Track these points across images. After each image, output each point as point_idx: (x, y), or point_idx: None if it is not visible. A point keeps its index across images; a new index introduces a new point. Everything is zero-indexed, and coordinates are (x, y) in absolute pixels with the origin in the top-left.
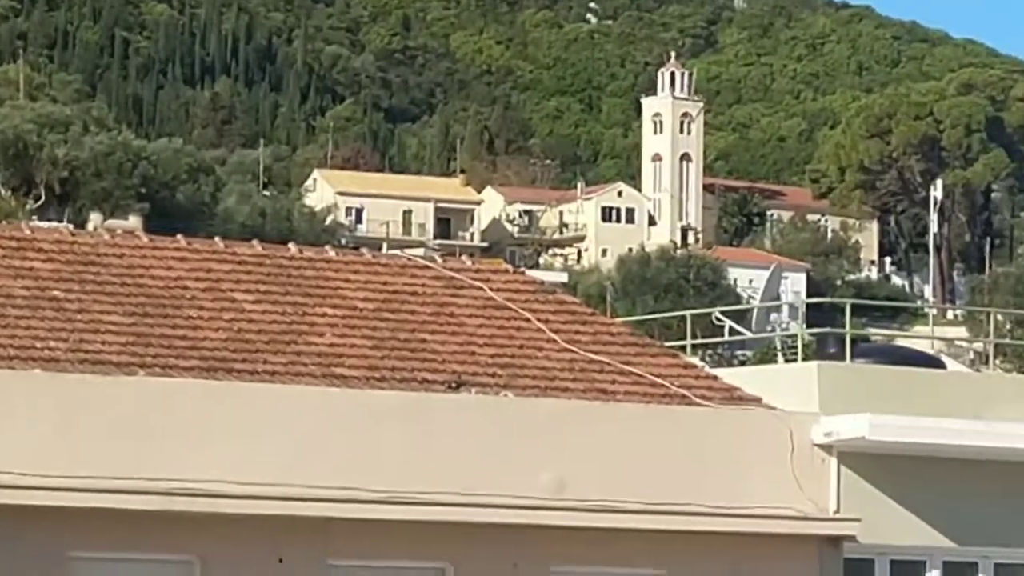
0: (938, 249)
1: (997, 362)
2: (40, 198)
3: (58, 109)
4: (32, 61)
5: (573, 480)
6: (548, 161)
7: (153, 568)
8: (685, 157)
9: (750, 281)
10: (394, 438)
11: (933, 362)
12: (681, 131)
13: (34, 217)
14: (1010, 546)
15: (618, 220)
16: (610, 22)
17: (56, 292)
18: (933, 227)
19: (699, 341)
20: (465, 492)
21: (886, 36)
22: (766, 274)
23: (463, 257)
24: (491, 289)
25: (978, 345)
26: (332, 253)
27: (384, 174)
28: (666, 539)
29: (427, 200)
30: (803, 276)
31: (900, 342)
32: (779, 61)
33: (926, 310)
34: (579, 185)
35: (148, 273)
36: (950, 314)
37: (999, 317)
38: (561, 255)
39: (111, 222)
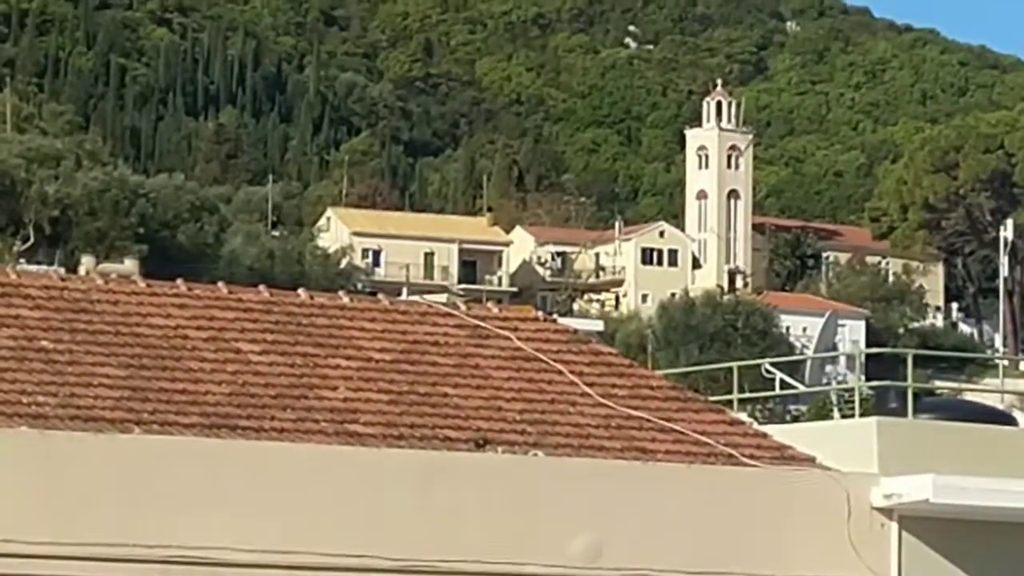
0: (1010, 294)
1: None
2: (29, 239)
3: (48, 142)
4: (21, 90)
5: (609, 547)
6: (583, 199)
7: None
8: (733, 194)
9: (804, 329)
10: (413, 502)
11: (1004, 418)
12: (728, 166)
13: (22, 260)
14: None
15: (659, 263)
16: (651, 47)
17: (45, 342)
18: (1004, 270)
19: (747, 395)
20: (491, 560)
21: (953, 62)
22: (821, 321)
23: (490, 303)
24: (520, 339)
25: None
26: (346, 300)
27: (404, 213)
28: None
29: (451, 241)
30: (862, 324)
31: (968, 396)
32: (835, 89)
33: (996, 361)
34: (617, 224)
35: (145, 322)
36: (1023, 365)
37: None
38: (597, 301)
39: (105, 266)
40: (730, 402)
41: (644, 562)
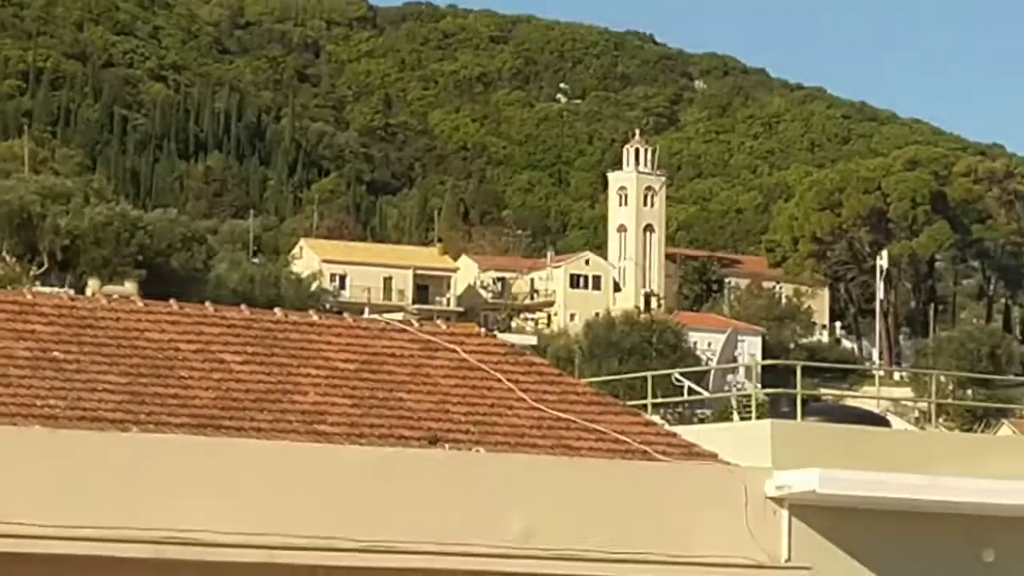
0: (885, 315)
1: (940, 421)
2: (43, 265)
3: (60, 181)
4: (36, 137)
5: (541, 530)
6: (520, 231)
7: None
8: (648, 228)
9: (708, 344)
10: (373, 491)
11: (880, 420)
12: (645, 204)
13: (37, 283)
14: None
15: (585, 287)
16: (578, 101)
17: (56, 353)
18: (880, 294)
19: (660, 401)
20: (439, 541)
21: (837, 115)
22: (723, 338)
23: (439, 321)
24: (465, 351)
25: (922, 405)
26: (316, 317)
27: (366, 243)
28: None
29: (406, 268)
30: (758, 340)
31: (849, 402)
32: (737, 138)
33: (873, 372)
34: (549, 254)
35: (143, 336)
36: (896, 376)
37: (942, 379)
38: (531, 319)
39: (109, 288)
40: (645, 406)
41: (571, 543)
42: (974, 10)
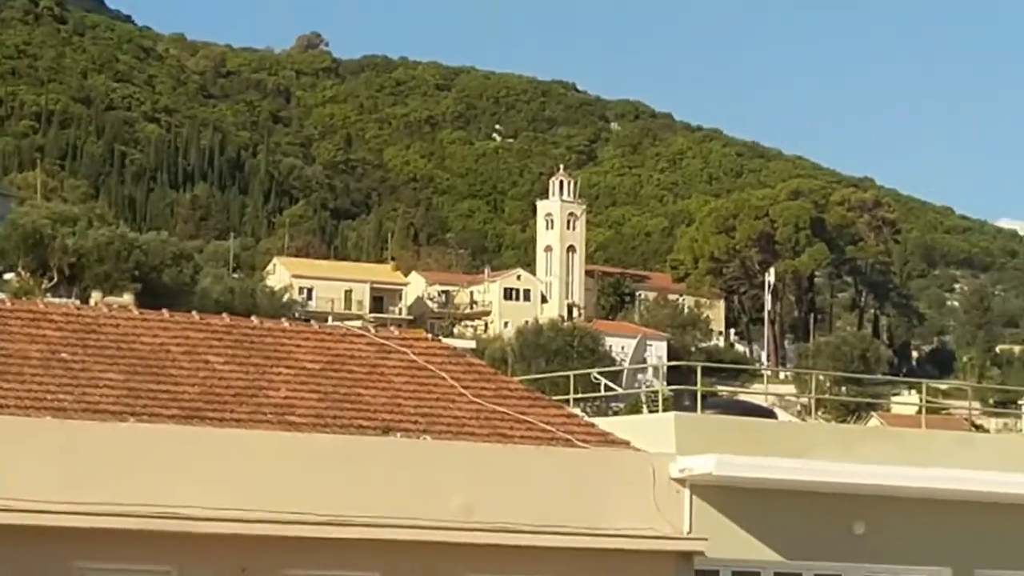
0: (772, 323)
1: (819, 413)
2: (53, 279)
3: (68, 208)
4: (47, 169)
5: (479, 506)
6: (461, 251)
7: None
8: (571, 248)
9: (622, 348)
10: (335, 473)
11: (767, 413)
12: (568, 228)
13: (48, 294)
14: (826, 560)
15: (517, 299)
16: (511, 140)
17: (64, 354)
18: (768, 305)
19: (580, 396)
20: (392, 516)
21: (731, 153)
22: (634, 342)
23: (392, 328)
24: (414, 354)
25: (804, 400)
26: (286, 324)
27: (330, 261)
28: (552, 554)
29: (364, 282)
30: (664, 344)
31: (741, 397)
32: (646, 172)
33: (762, 372)
34: (486, 270)
35: (138, 340)
36: (781, 375)
37: (820, 378)
38: (471, 326)
39: (109, 299)
40: (568, 401)
41: (504, 518)
42: (848, 62)
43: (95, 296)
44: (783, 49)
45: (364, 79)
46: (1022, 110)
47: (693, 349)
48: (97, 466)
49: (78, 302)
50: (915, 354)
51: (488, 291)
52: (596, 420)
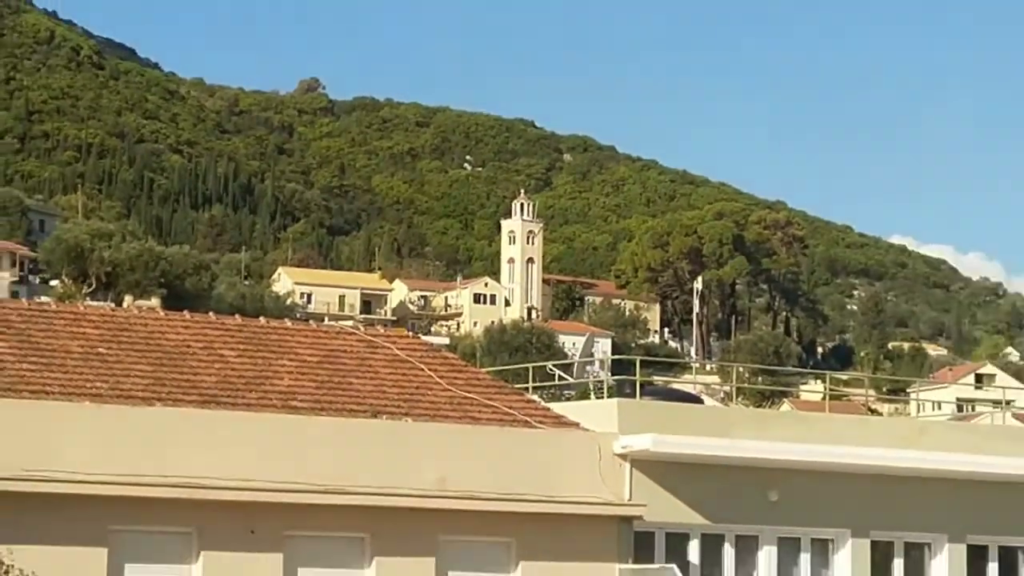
0: (700, 323)
1: (739, 400)
2: (92, 285)
3: (104, 225)
4: (87, 193)
5: (451, 478)
6: (437, 262)
7: (165, 537)
8: (530, 260)
9: (573, 344)
10: (331, 449)
11: (695, 399)
12: (527, 243)
13: (87, 298)
14: (745, 523)
15: (485, 303)
16: (480, 169)
17: (101, 349)
18: (696, 308)
19: (537, 385)
20: (378, 486)
21: (666, 180)
22: (583, 339)
23: (378, 327)
24: (397, 349)
25: (726, 388)
26: (289, 323)
27: (326, 271)
28: (513, 518)
29: (355, 288)
30: (609, 341)
31: (674, 386)
32: (593, 196)
33: (691, 364)
34: (459, 279)
35: (164, 336)
36: (707, 367)
37: (740, 369)
38: (445, 326)
39: (139, 302)
40: (527, 389)
41: (473, 487)
42: (764, 101)
43: (127, 300)
44: (710, 89)
45: (355, 117)
46: (910, 140)
47: (633, 345)
48: (128, 444)
49: (113, 305)
50: (820, 350)
51: (460, 296)
52: (551, 405)
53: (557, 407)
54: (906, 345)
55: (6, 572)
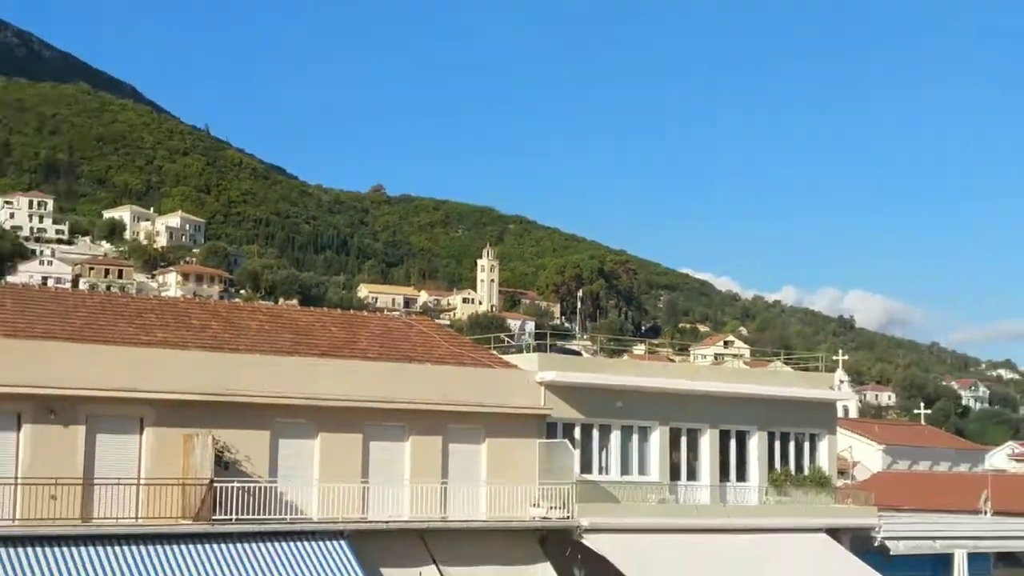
0: (580, 314)
1: (601, 353)
2: (261, 294)
3: (268, 261)
4: (260, 244)
5: (450, 394)
6: (443, 281)
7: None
8: (492, 280)
9: (516, 325)
10: (386, 378)
11: (577, 353)
12: (490, 271)
13: (258, 301)
14: (604, 418)
15: (469, 303)
16: (467, 231)
17: (266, 326)
18: (579, 306)
19: (496, 345)
20: (412, 399)
21: (562, 237)
22: (520, 323)
23: (412, 315)
24: (422, 327)
25: (594, 348)
26: (365, 313)
27: (385, 285)
28: (485, 416)
29: (400, 295)
30: (533, 323)
31: (566, 347)
32: (525, 247)
33: (576, 335)
34: (454, 290)
35: (300, 320)
36: (584, 337)
37: (601, 338)
38: (448, 315)
39: (285, 302)
40: (490, 348)
41: (462, 399)
42: (627, 172)
43: (280, 301)
44: (592, 173)
45: (400, 205)
46: (698, 200)
47: (545, 325)
48: (286, 377)
49: (272, 304)
50: (643, 327)
51: (455, 299)
52: (504, 356)
53: (507, 357)
54: (688, 326)
55: (221, 449)
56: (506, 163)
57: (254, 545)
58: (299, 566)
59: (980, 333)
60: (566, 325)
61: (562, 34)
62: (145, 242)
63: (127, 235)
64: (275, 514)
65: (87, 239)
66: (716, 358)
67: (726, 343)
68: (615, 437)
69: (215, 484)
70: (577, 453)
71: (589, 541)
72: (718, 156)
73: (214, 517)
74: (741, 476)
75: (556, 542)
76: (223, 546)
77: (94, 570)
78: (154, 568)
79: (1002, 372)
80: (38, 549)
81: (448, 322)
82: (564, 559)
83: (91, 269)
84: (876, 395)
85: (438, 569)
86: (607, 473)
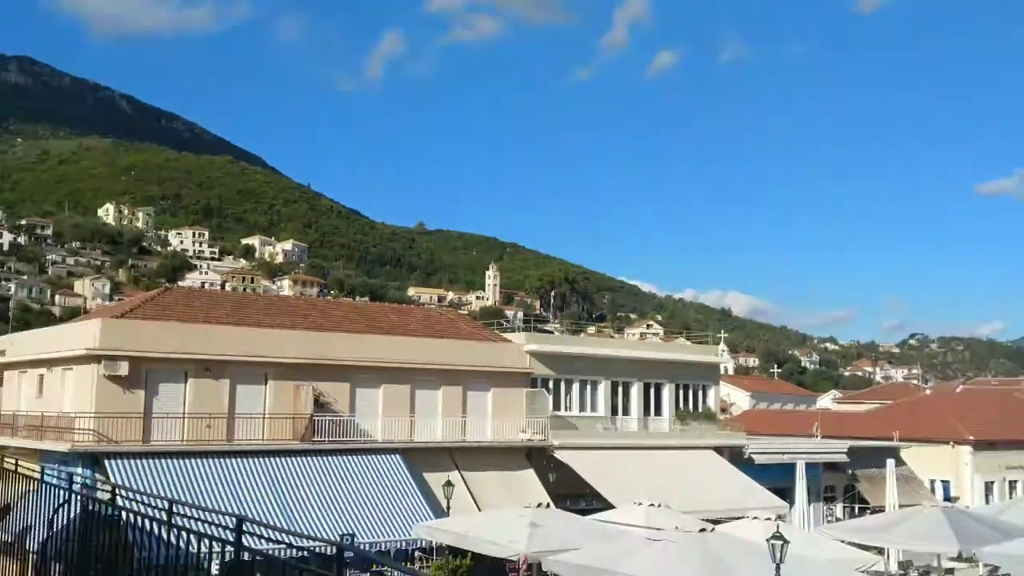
0: (554, 308)
1: (568, 332)
2: (346, 293)
3: (348, 272)
4: (345, 262)
5: (466, 360)
6: (463, 285)
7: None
8: (495, 285)
9: (512, 315)
10: (423, 349)
11: (550, 332)
12: (494, 280)
13: (343, 297)
14: (569, 375)
15: (481, 300)
16: (480, 254)
17: (350, 314)
18: (552, 302)
19: (496, 328)
20: (441, 363)
21: (540, 256)
22: (513, 312)
23: (443, 309)
24: (449, 316)
25: (559, 334)
26: (412, 307)
27: (424, 288)
28: (489, 374)
29: (435, 294)
30: (521, 312)
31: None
32: (516, 265)
33: (553, 321)
34: (471, 292)
35: (367, 310)
36: (554, 330)
37: (569, 322)
38: (466, 308)
39: (359, 299)
40: (495, 328)
41: (474, 362)
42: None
43: (358, 299)
44: (590, 182)
45: (436, 235)
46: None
47: (531, 315)
48: (326, 348)
49: (352, 300)
50: (594, 316)
51: (471, 297)
52: (503, 334)
53: (505, 335)
54: (623, 315)
55: (318, 394)
56: (504, 205)
57: (340, 458)
58: (369, 472)
59: (814, 319)
60: (544, 314)
61: None
62: (268, 260)
63: (256, 255)
64: (353, 437)
65: (231, 258)
66: (641, 336)
67: (648, 326)
68: (576, 387)
69: (314, 417)
70: (551, 398)
71: (559, 455)
72: (643, 199)
73: (314, 439)
74: (658, 412)
75: (537, 455)
76: (320, 459)
77: (235, 474)
78: (276, 472)
79: (827, 345)
80: (198, 460)
81: (466, 312)
82: (542, 467)
83: (233, 277)
84: (745, 360)
85: (460, 474)
86: (571, 411)
